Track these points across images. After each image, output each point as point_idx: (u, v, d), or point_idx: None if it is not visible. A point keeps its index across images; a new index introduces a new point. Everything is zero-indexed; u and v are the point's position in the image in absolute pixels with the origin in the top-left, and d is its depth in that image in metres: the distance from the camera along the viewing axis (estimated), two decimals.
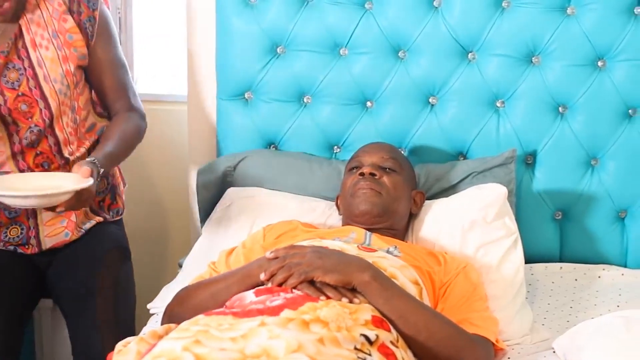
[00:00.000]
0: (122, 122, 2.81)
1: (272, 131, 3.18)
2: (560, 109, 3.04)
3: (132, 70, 3.42)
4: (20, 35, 2.70)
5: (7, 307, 2.76)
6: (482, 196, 2.78)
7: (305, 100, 3.15)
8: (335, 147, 3.16)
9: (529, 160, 3.07)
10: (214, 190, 3.10)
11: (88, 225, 2.89)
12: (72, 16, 2.75)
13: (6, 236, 2.79)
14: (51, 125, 2.74)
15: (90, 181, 2.46)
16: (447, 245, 2.71)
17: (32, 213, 2.78)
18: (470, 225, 2.73)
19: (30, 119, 2.70)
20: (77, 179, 2.48)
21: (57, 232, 2.82)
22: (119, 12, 3.40)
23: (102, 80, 2.84)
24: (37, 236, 2.80)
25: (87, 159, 2.56)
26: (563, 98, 3.03)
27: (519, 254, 2.71)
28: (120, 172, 3.02)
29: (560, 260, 3.07)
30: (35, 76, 2.69)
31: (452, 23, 3.03)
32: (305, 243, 2.49)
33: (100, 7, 2.80)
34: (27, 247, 2.80)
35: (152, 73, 3.45)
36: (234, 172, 3.09)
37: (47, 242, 2.81)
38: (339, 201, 2.85)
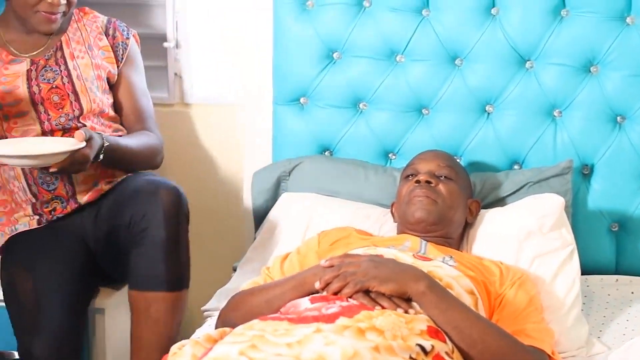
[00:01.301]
0: (144, 134, 3.02)
1: (327, 137, 3.20)
2: (618, 119, 3.02)
3: (190, 74, 3.45)
4: (60, 47, 2.99)
5: (68, 289, 2.83)
6: (538, 206, 2.78)
7: (361, 106, 3.16)
8: (391, 154, 3.17)
9: (586, 171, 3.05)
10: (268, 195, 3.12)
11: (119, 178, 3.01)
12: (107, 37, 3.04)
13: (51, 211, 2.94)
14: (80, 119, 2.93)
15: (82, 144, 2.66)
16: (503, 255, 2.70)
17: (70, 187, 2.92)
18: (526, 236, 2.72)
19: (60, 110, 2.92)
20: (72, 142, 2.69)
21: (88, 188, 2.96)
22: (176, 16, 3.42)
23: (125, 102, 3.07)
24: (74, 198, 2.95)
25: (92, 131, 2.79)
26: (621, 108, 3.02)
27: (575, 265, 2.71)
28: None
29: (616, 273, 3.05)
30: (69, 75, 2.95)
31: (510, 31, 3.03)
32: (360, 251, 2.50)
33: (132, 38, 3.08)
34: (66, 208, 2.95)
35: (208, 77, 3.47)
36: (288, 178, 3.11)
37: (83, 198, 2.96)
38: (394, 208, 2.85)
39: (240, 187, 3.37)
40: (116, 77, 3.04)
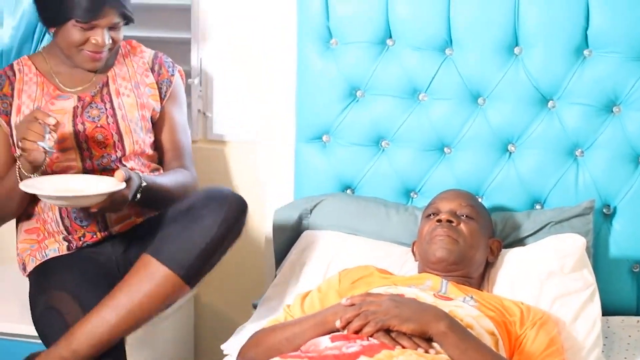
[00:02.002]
0: (179, 172, 3.04)
1: (349, 175, 3.22)
2: None
3: (210, 110, 3.48)
4: (106, 84, 3.00)
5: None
6: (560, 246, 2.79)
7: (383, 144, 3.18)
8: (412, 192, 3.18)
9: (607, 211, 3.06)
10: (289, 233, 3.14)
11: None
12: (152, 74, 3.06)
13: (80, 237, 2.96)
14: (122, 160, 2.95)
15: (122, 185, 2.67)
16: (524, 295, 2.71)
17: (103, 223, 2.95)
18: (547, 276, 2.74)
19: (104, 149, 2.94)
20: (113, 182, 2.69)
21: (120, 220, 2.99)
22: (201, 53, 3.46)
23: (165, 138, 3.09)
24: (107, 229, 2.98)
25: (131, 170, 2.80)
26: None
27: (596, 306, 2.71)
28: None
29: (638, 314, 3.04)
30: (114, 115, 2.97)
31: (533, 70, 3.04)
32: (380, 290, 2.52)
33: (177, 74, 3.09)
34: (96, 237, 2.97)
35: (232, 114, 3.50)
36: (310, 215, 3.13)
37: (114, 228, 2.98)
38: (415, 247, 2.87)
39: (261, 224, 3.39)
40: (159, 114, 3.06)
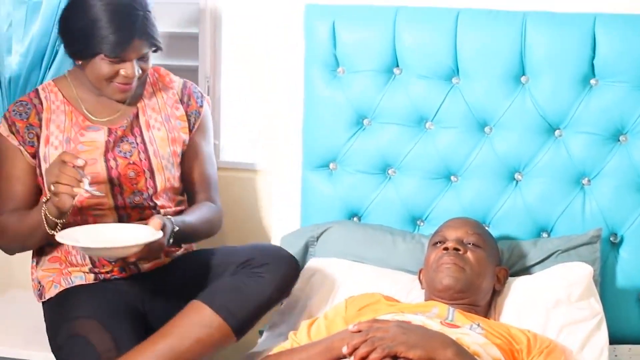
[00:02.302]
0: (205, 206, 3.03)
1: (356, 203, 3.23)
2: None
3: (218, 137, 3.50)
4: (136, 116, 2.96)
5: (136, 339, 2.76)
6: (567, 275, 2.80)
7: (389, 172, 3.19)
8: (419, 220, 3.19)
9: (615, 239, 3.06)
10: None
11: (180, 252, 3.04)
12: (182, 105, 3.02)
13: (108, 271, 2.92)
14: (153, 197, 2.93)
15: (159, 234, 2.65)
16: (531, 323, 2.72)
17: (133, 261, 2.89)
18: (554, 305, 2.74)
19: (135, 185, 2.91)
20: (149, 231, 2.67)
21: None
22: (208, 81, 3.48)
23: (192, 169, 3.07)
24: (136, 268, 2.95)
25: (163, 215, 2.78)
26: None
27: (603, 335, 2.71)
28: None
29: None
30: (146, 150, 2.94)
31: (539, 99, 3.06)
32: (387, 317, 2.52)
33: (205, 105, 3.06)
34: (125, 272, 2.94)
35: (239, 141, 3.52)
36: (316, 243, 3.14)
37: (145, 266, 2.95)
38: (421, 275, 2.87)
39: None
40: (187, 145, 3.03)
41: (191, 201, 3.08)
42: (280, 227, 3.33)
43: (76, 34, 2.80)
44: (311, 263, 3.10)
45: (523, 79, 3.07)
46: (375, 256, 3.07)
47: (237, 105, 3.53)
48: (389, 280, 2.97)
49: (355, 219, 3.24)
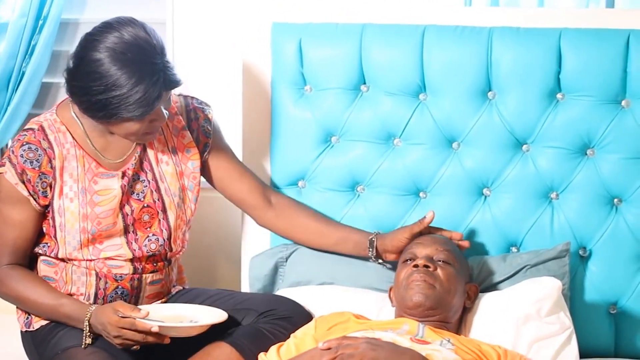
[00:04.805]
0: (309, 208, 3.14)
1: None
2: (615, 201, 3.08)
3: None
4: (144, 149, 2.88)
5: None
6: (536, 290, 2.82)
7: (358, 189, 3.22)
8: None
9: (583, 253, 3.10)
10: (266, 281, 3.17)
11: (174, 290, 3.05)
12: (190, 131, 2.95)
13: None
14: (169, 241, 2.91)
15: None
16: (501, 339, 2.75)
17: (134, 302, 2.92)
18: (524, 320, 2.77)
19: (148, 229, 2.88)
20: (220, 315, 2.75)
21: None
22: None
23: (237, 186, 3.07)
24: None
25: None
26: (618, 191, 3.07)
27: (573, 349, 2.75)
28: None
29: (616, 356, 3.09)
30: (158, 189, 2.89)
31: (506, 114, 3.09)
32: (357, 334, 2.54)
33: (209, 109, 3.02)
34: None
35: None
36: (285, 263, 3.15)
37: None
38: (392, 293, 2.89)
39: (238, 271, 3.40)
40: (210, 155, 3.00)
41: (266, 206, 3.08)
42: (250, 247, 3.33)
43: (96, 105, 2.63)
44: (281, 293, 3.09)
45: (490, 94, 3.11)
46: (345, 275, 3.08)
47: None
48: (359, 299, 2.99)
49: None
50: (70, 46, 3.76)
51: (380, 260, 3.00)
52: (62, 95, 3.68)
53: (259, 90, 3.29)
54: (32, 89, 3.55)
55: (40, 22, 3.58)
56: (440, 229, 2.96)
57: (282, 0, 3.40)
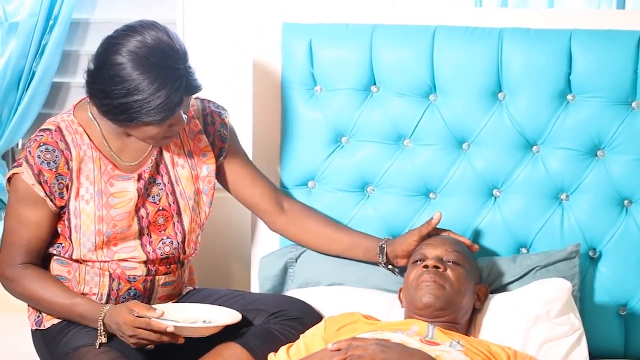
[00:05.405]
0: (321, 214, 3.14)
1: None
2: (625, 203, 3.08)
3: None
4: (160, 152, 2.89)
5: None
6: (546, 291, 2.83)
7: (368, 190, 3.23)
8: None
9: (593, 254, 3.10)
10: (275, 282, 3.18)
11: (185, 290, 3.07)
12: (206, 135, 2.95)
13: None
14: (182, 241, 2.93)
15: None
16: (510, 340, 2.75)
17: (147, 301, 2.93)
18: (533, 321, 2.77)
19: (163, 232, 2.90)
20: (235, 316, 2.76)
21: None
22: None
23: (250, 191, 3.08)
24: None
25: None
26: (628, 192, 3.08)
27: (583, 350, 2.75)
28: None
29: (625, 357, 3.09)
30: (173, 192, 2.91)
31: (517, 115, 3.09)
32: (366, 335, 2.55)
33: (226, 113, 3.02)
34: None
35: None
36: (295, 264, 3.16)
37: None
38: (401, 294, 2.90)
39: (248, 271, 3.41)
40: (218, 170, 3.01)
41: (278, 211, 3.09)
42: (260, 246, 3.34)
43: (117, 108, 2.62)
44: (290, 294, 3.09)
45: (500, 95, 3.11)
46: (354, 276, 3.09)
47: None
48: (368, 300, 3.00)
49: None
50: (81, 46, 3.78)
51: (390, 266, 3.01)
52: (73, 95, 3.73)
53: (269, 91, 3.30)
54: (43, 88, 3.57)
55: (51, 22, 3.61)
56: (449, 231, 2.97)
57: (293, 0, 3.42)
